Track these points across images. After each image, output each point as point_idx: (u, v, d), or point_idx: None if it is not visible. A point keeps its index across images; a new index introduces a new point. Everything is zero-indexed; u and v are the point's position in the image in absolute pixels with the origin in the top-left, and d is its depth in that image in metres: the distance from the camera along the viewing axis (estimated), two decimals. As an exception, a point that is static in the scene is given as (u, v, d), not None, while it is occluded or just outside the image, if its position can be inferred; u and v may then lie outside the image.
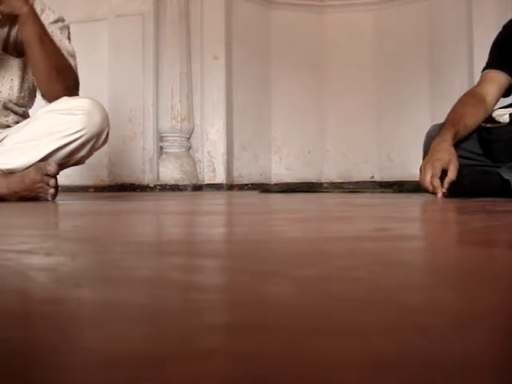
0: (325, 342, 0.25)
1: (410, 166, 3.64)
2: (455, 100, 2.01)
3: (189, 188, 3.73)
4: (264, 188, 3.80)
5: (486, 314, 0.30)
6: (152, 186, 3.67)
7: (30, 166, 1.90)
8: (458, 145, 1.88)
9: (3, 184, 1.90)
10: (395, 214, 1.21)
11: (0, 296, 0.37)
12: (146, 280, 0.42)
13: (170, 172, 3.72)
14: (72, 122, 1.91)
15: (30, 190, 1.88)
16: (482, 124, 1.91)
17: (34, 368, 0.22)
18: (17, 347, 0.24)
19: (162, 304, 0.33)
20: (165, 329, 0.27)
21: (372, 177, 4.26)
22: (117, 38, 3.71)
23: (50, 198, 1.87)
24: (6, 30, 2.04)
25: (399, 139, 4.07)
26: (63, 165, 1.97)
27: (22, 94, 2.12)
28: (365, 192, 2.91)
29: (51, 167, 1.87)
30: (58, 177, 1.92)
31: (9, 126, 2.08)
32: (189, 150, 3.87)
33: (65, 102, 1.94)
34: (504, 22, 2.10)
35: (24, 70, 2.09)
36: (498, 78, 1.99)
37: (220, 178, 3.88)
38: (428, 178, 1.79)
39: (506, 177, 1.76)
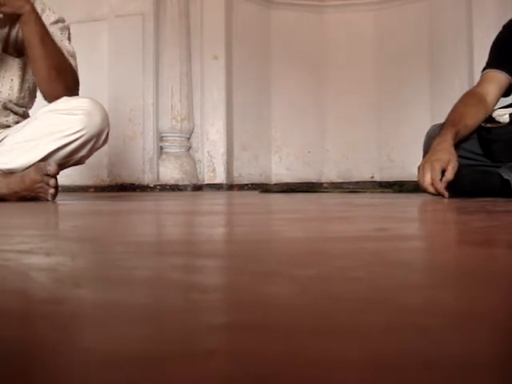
0: (325, 342, 0.25)
1: (409, 166, 3.64)
2: (455, 100, 2.01)
3: (189, 188, 3.73)
4: (264, 188, 3.80)
5: (486, 313, 0.30)
6: (152, 185, 3.67)
7: (30, 166, 1.90)
8: (458, 145, 1.89)
9: (3, 184, 1.90)
10: (395, 214, 1.21)
11: (0, 296, 0.37)
12: (146, 280, 0.42)
13: (170, 172, 3.72)
14: (72, 122, 1.91)
15: (30, 189, 1.88)
16: (482, 124, 1.91)
17: (34, 368, 0.22)
18: (17, 347, 0.24)
19: (162, 304, 0.33)
20: (165, 329, 0.27)
21: (372, 177, 4.26)
22: (117, 37, 3.71)
23: (50, 198, 1.87)
24: (6, 30, 2.05)
25: (399, 139, 4.07)
26: (63, 165, 1.97)
27: (22, 95, 2.12)
28: (365, 192, 2.91)
29: (51, 167, 1.87)
30: (58, 177, 1.92)
31: (9, 126, 2.08)
32: (189, 150, 3.87)
33: (65, 102, 1.94)
34: (504, 21, 2.10)
35: (24, 70, 2.09)
36: (498, 78, 1.99)
37: (220, 178, 3.88)
38: (427, 178, 1.79)
39: (506, 177, 1.76)
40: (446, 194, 1.76)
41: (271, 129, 4.26)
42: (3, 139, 1.99)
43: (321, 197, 2.44)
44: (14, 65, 2.08)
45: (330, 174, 4.35)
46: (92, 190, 3.69)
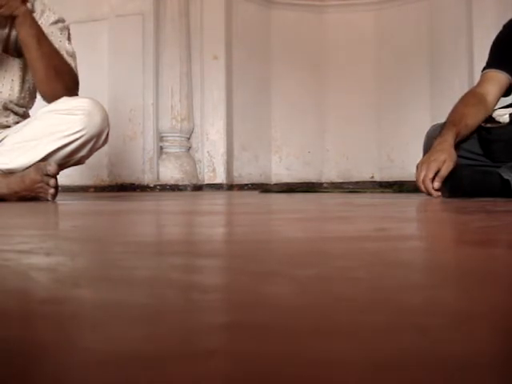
0: (325, 342, 0.25)
1: (409, 166, 3.63)
2: (455, 100, 2.02)
3: (189, 188, 3.73)
4: (264, 188, 3.80)
5: (486, 313, 0.30)
6: (152, 186, 3.67)
7: (30, 166, 1.90)
8: (458, 145, 1.89)
9: (3, 184, 1.90)
10: (395, 214, 1.21)
11: (0, 296, 0.37)
12: (146, 280, 0.42)
13: (170, 172, 3.72)
14: (72, 122, 1.91)
15: (30, 189, 1.88)
16: (482, 124, 1.91)
17: (34, 368, 0.22)
18: (17, 347, 0.24)
19: (162, 304, 0.33)
20: (165, 329, 0.27)
21: (372, 177, 4.26)
22: (117, 37, 3.71)
23: (50, 198, 1.87)
24: (6, 30, 2.05)
25: (399, 139, 4.07)
26: (63, 165, 1.97)
27: (23, 95, 2.12)
28: (365, 192, 2.91)
29: (51, 167, 1.87)
30: (58, 177, 1.92)
31: (9, 127, 2.08)
32: (189, 150, 3.87)
33: (65, 102, 1.94)
34: (504, 21, 2.10)
35: (24, 70, 2.09)
36: (499, 78, 1.99)
37: (220, 178, 3.88)
38: (421, 177, 1.82)
39: (506, 177, 1.76)
40: (435, 193, 1.79)
41: (271, 129, 4.26)
42: (3, 139, 1.99)
43: (321, 197, 2.44)
44: (14, 65, 2.08)
45: (330, 174, 4.35)
46: (92, 189, 3.69)
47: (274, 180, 4.25)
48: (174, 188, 3.70)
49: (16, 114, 2.12)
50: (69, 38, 2.10)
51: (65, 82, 1.99)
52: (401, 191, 2.82)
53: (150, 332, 0.27)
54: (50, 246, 0.66)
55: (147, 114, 3.68)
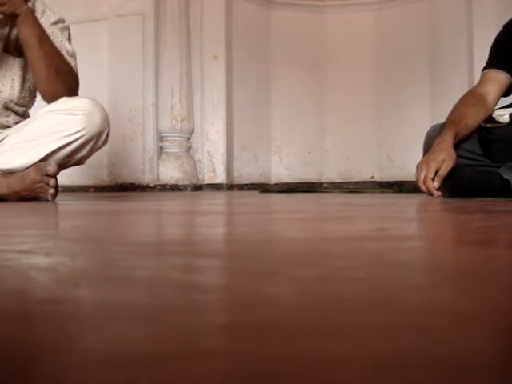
0: (325, 342, 0.25)
1: (409, 166, 3.63)
2: (455, 100, 2.02)
3: (189, 188, 3.73)
4: (264, 188, 3.80)
5: (486, 313, 0.30)
6: (152, 186, 3.67)
7: (30, 166, 1.90)
8: (458, 145, 1.89)
9: (3, 184, 1.90)
10: (395, 214, 1.21)
11: (0, 296, 0.37)
12: (146, 280, 0.42)
13: (170, 172, 3.72)
14: (72, 122, 1.91)
15: (30, 190, 1.88)
16: (482, 124, 1.92)
17: (34, 368, 0.22)
18: (17, 347, 0.24)
19: (162, 304, 0.33)
20: (165, 329, 0.27)
21: (372, 177, 4.26)
22: (117, 37, 3.71)
23: (49, 198, 1.87)
24: (6, 30, 2.05)
25: (399, 139, 4.07)
26: (63, 165, 1.97)
27: (23, 94, 2.12)
28: (365, 192, 2.91)
29: (51, 167, 1.87)
30: (58, 177, 1.92)
31: (9, 127, 2.08)
32: (189, 150, 3.87)
33: (65, 102, 1.94)
34: (504, 21, 2.10)
35: (25, 69, 2.09)
36: (499, 78, 1.99)
37: (220, 178, 3.88)
38: (422, 177, 1.82)
39: (506, 177, 1.76)
40: (436, 193, 1.80)
41: (271, 129, 4.26)
42: (3, 139, 1.99)
43: (321, 197, 2.44)
44: (14, 64, 2.08)
45: (330, 174, 4.35)
46: (92, 190, 3.69)
47: (274, 180, 4.24)
48: (174, 188, 3.70)
49: (16, 113, 2.12)
50: (69, 38, 2.11)
51: (65, 81, 1.99)
52: (401, 191, 2.82)
53: (150, 332, 0.27)
54: (50, 245, 0.66)
55: (147, 114, 3.68)
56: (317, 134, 4.33)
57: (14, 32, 2.05)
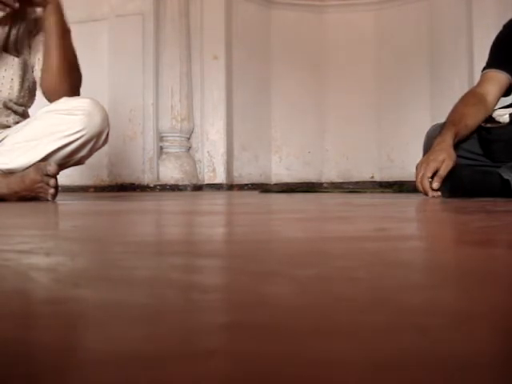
0: (325, 342, 0.25)
1: (409, 166, 3.62)
2: (455, 100, 2.02)
3: (189, 188, 3.73)
4: (264, 188, 3.80)
5: (486, 313, 0.30)
6: (152, 185, 3.67)
7: (30, 166, 1.90)
8: (458, 145, 1.89)
9: (3, 184, 1.90)
10: (395, 214, 1.21)
11: (0, 296, 0.37)
12: (146, 280, 0.42)
13: (170, 172, 3.72)
14: (72, 122, 1.91)
15: (30, 189, 1.88)
16: (482, 124, 1.92)
17: (34, 368, 0.22)
18: (16, 347, 0.24)
19: (162, 304, 0.33)
20: (165, 329, 0.27)
21: (372, 177, 4.26)
22: (117, 37, 3.71)
23: (49, 198, 1.87)
24: (6, 29, 2.05)
25: (399, 139, 4.07)
26: (63, 165, 1.97)
27: (22, 94, 2.12)
28: (365, 192, 2.91)
29: (51, 167, 1.87)
30: (58, 177, 1.92)
31: (9, 127, 2.08)
32: (189, 150, 3.87)
33: (65, 103, 1.94)
34: (504, 21, 2.10)
35: (24, 69, 2.10)
36: (499, 78, 1.99)
37: (220, 178, 3.88)
38: (420, 176, 1.82)
39: (506, 177, 1.76)
40: (431, 192, 1.79)
41: (271, 129, 4.26)
42: (3, 139, 2.00)
43: (321, 197, 2.44)
44: (14, 64, 2.08)
45: (330, 174, 4.35)
46: (92, 190, 3.69)
47: (274, 180, 4.24)
48: (174, 188, 3.70)
49: (16, 112, 2.12)
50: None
51: (72, 77, 2.01)
52: (401, 191, 2.82)
53: (150, 332, 0.27)
54: (50, 245, 0.66)
55: (147, 114, 3.68)
56: (317, 134, 4.33)
57: (14, 32, 2.05)
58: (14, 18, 2.02)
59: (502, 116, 1.89)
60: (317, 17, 4.30)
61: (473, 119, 1.91)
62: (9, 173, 1.92)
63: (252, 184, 4.08)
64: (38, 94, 2.15)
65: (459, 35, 3.64)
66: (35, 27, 2.07)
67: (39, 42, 2.06)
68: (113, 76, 3.71)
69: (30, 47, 2.09)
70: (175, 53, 3.74)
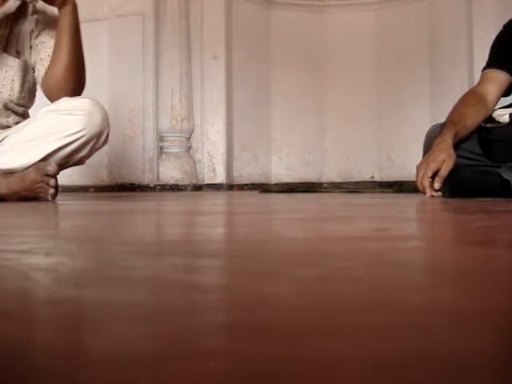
0: (325, 342, 0.25)
1: (409, 166, 3.62)
2: (455, 100, 2.02)
3: (189, 188, 3.73)
4: (264, 188, 3.80)
5: (486, 313, 0.30)
6: (152, 186, 3.67)
7: (30, 166, 1.90)
8: (458, 145, 1.89)
9: (3, 184, 1.90)
10: (395, 214, 1.21)
11: (0, 296, 0.37)
12: (146, 280, 0.42)
13: (170, 172, 3.72)
14: (72, 122, 1.91)
15: (30, 190, 1.88)
16: (482, 124, 1.92)
17: (34, 368, 0.22)
18: (16, 348, 0.24)
19: (162, 304, 0.33)
20: (165, 329, 0.27)
21: (372, 177, 4.26)
22: (117, 37, 3.71)
23: (49, 198, 1.87)
24: (7, 30, 2.05)
25: (399, 139, 4.07)
26: (63, 165, 1.97)
27: (23, 95, 2.13)
28: (365, 192, 2.91)
29: (51, 167, 1.87)
30: (58, 177, 1.92)
31: (9, 127, 2.08)
32: (189, 150, 3.87)
33: (65, 103, 1.94)
34: (504, 21, 2.10)
35: (25, 70, 2.10)
36: (499, 78, 1.99)
37: (220, 177, 3.88)
38: (419, 176, 1.82)
39: (506, 177, 1.76)
40: (429, 192, 1.79)
41: (271, 129, 4.26)
42: (3, 139, 2.00)
43: (321, 197, 2.44)
44: (14, 65, 2.08)
45: (330, 174, 4.35)
46: (92, 190, 3.69)
47: (274, 180, 4.24)
48: (174, 188, 3.70)
49: (16, 113, 2.12)
50: None
51: (78, 76, 2.02)
52: (401, 191, 2.82)
53: (150, 332, 0.27)
54: (50, 245, 0.66)
55: (147, 114, 3.68)
56: (317, 134, 4.33)
57: (15, 32, 2.05)
58: (14, 19, 2.02)
59: (502, 116, 1.89)
60: (317, 17, 4.30)
61: (473, 119, 1.91)
62: (9, 173, 1.92)
63: (252, 184, 4.08)
64: (38, 94, 2.15)
65: (459, 35, 3.64)
66: (36, 28, 2.07)
67: (40, 42, 2.06)
68: (113, 76, 3.71)
69: (30, 48, 2.09)
70: (175, 53, 3.74)
